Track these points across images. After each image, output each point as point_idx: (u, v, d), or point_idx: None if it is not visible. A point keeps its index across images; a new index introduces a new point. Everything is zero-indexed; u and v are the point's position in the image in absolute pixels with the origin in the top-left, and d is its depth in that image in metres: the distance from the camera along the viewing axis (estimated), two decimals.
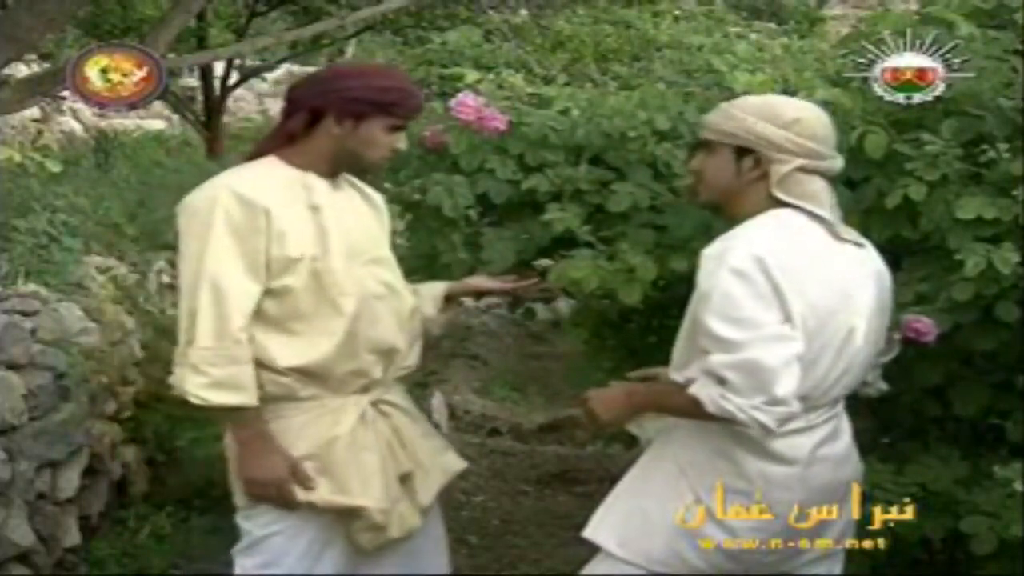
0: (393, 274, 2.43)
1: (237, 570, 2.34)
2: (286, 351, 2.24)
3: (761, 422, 1.99)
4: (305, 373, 2.26)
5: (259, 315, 2.23)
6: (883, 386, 2.31)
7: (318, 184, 2.32)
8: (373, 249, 2.40)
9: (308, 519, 2.28)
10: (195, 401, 2.20)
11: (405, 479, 2.37)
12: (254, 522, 2.31)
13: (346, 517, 2.30)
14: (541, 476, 4.98)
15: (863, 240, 2.21)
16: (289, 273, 2.24)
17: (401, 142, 2.37)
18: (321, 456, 2.27)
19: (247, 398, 2.20)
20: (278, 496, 2.25)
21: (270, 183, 2.29)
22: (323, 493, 2.27)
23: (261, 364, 2.23)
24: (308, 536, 2.30)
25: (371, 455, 2.31)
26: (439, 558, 2.54)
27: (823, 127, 2.16)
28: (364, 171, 2.43)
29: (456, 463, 2.54)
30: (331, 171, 2.36)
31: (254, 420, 2.24)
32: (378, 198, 2.53)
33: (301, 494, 2.25)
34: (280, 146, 2.34)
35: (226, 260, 2.19)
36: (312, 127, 2.31)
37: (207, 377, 2.17)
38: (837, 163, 2.18)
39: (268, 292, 2.23)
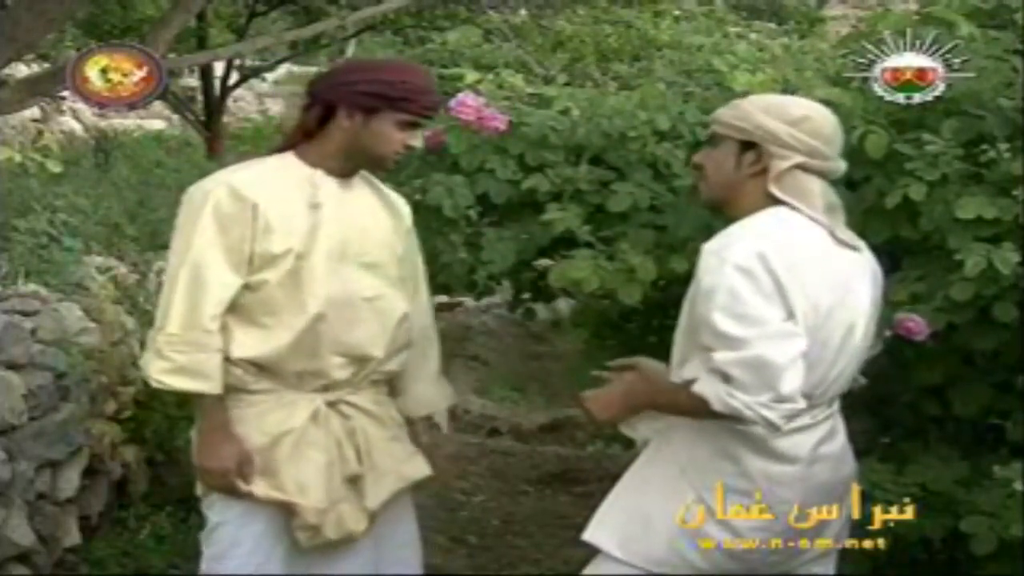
0: (388, 280, 2.40)
1: (203, 562, 2.37)
2: (243, 343, 2.26)
3: (768, 419, 1.99)
4: (256, 366, 2.27)
5: (233, 307, 2.25)
6: (862, 380, 2.31)
7: (325, 182, 2.32)
8: (371, 252, 2.38)
9: (255, 511, 2.29)
10: (155, 384, 2.24)
11: (354, 481, 2.35)
12: (210, 511, 2.34)
13: (282, 510, 2.30)
14: (541, 476, 4.98)
15: (860, 243, 2.21)
16: (269, 268, 2.25)
17: (416, 140, 2.36)
18: (267, 451, 2.28)
19: (209, 387, 2.22)
20: (225, 486, 2.27)
21: (272, 178, 2.29)
22: (262, 487, 2.28)
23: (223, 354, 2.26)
24: (257, 529, 2.30)
25: (317, 454, 2.31)
26: (410, 561, 2.51)
27: (830, 128, 2.16)
28: (377, 167, 2.42)
29: (419, 470, 2.48)
30: (343, 168, 2.35)
31: (215, 410, 2.26)
32: (400, 203, 2.51)
33: (242, 485, 2.27)
34: (297, 142, 2.35)
35: (208, 250, 2.21)
36: (326, 122, 2.32)
37: (170, 363, 2.20)
38: (839, 165, 2.18)
39: (246, 285, 2.25)
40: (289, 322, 2.26)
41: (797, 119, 2.13)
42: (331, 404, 2.34)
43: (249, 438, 2.28)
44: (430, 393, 2.55)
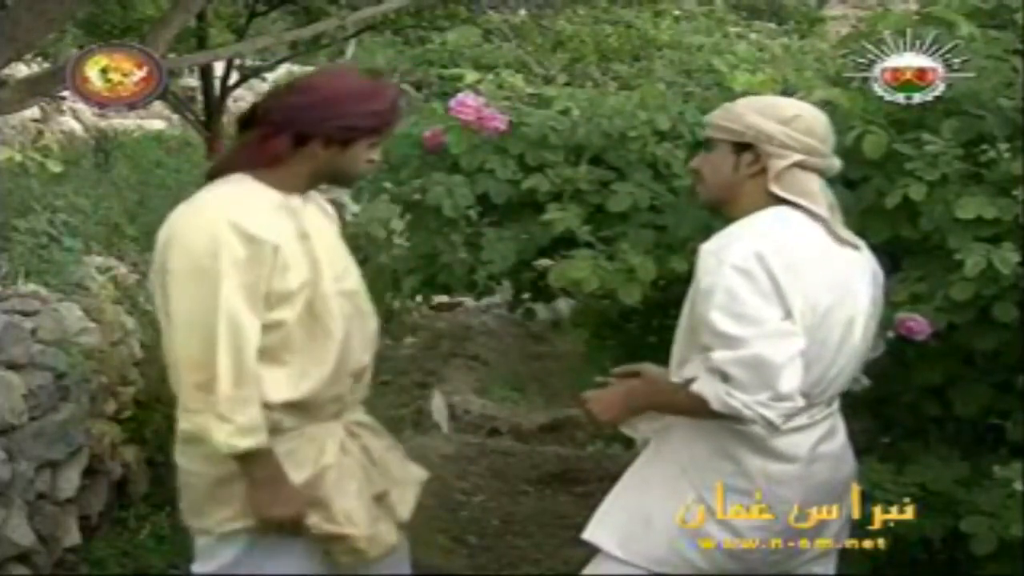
0: (361, 290, 2.37)
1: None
2: (277, 385, 2.19)
3: (767, 418, 1.99)
4: (294, 406, 2.22)
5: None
6: (865, 381, 2.32)
7: (301, 208, 2.26)
8: (344, 266, 2.34)
9: (289, 541, 2.25)
10: (226, 451, 2.15)
11: (381, 497, 2.34)
12: (230, 545, 2.26)
13: (328, 539, 2.27)
14: (541, 476, 4.97)
15: (859, 242, 2.21)
16: (285, 305, 2.19)
17: (377, 153, 2.32)
18: (309, 486, 2.24)
19: (266, 439, 2.17)
20: (292, 529, 2.22)
21: (266, 211, 2.21)
22: (315, 521, 2.24)
23: None
24: (290, 560, 2.26)
25: (352, 482, 2.28)
26: (404, 561, 2.49)
27: (822, 126, 2.18)
28: (346, 185, 2.40)
29: (421, 473, 2.48)
30: (307, 188, 2.30)
31: (268, 460, 2.19)
32: (329, 208, 2.46)
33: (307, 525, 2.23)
34: (256, 166, 2.25)
35: (236, 299, 2.14)
36: (294, 148, 2.23)
37: (233, 424, 2.12)
38: (835, 163, 2.20)
39: (264, 326, 2.18)
40: (317, 355, 2.23)
41: (789, 118, 2.14)
42: (345, 428, 2.31)
43: (291, 475, 2.22)
44: None
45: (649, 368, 2.34)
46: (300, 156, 2.24)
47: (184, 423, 2.21)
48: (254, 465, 2.20)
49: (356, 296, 2.34)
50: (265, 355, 2.19)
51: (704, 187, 2.24)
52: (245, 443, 2.15)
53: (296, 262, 2.21)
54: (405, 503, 2.38)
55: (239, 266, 2.15)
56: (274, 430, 2.21)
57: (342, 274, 2.31)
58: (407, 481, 2.42)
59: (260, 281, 2.16)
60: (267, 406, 2.19)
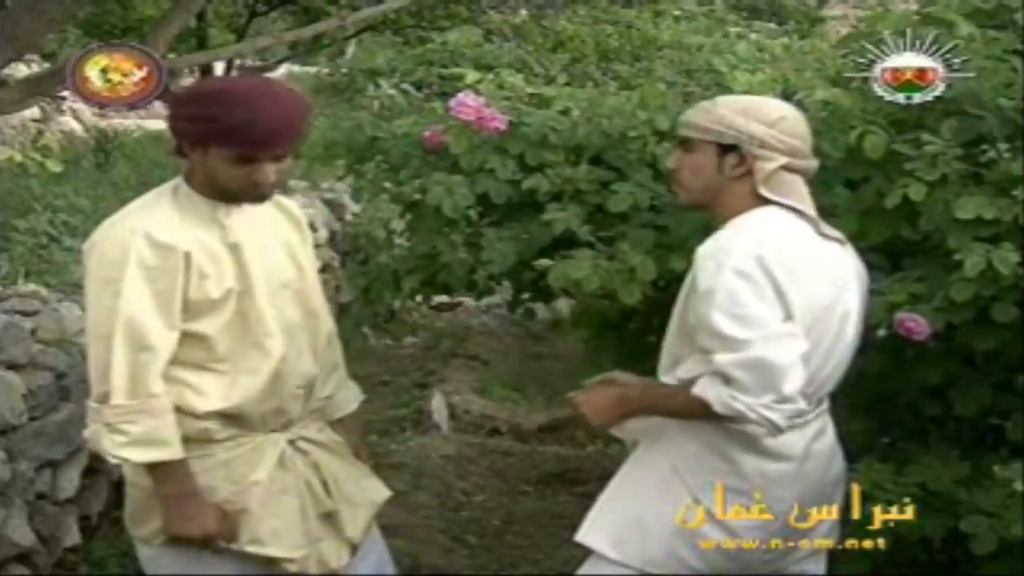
0: (311, 298, 2.33)
1: None
2: (206, 395, 2.16)
3: (771, 420, 1.99)
4: (225, 416, 2.18)
5: (182, 360, 2.15)
6: None
7: (230, 216, 2.21)
8: (291, 273, 2.29)
9: (222, 555, 2.23)
10: (114, 461, 2.13)
11: (329, 516, 2.31)
12: (171, 554, 2.23)
13: (258, 557, 2.24)
14: (541, 476, 4.97)
15: (843, 237, 2.22)
16: (209, 314, 2.15)
17: (264, 175, 2.15)
18: (237, 500, 2.20)
19: (171, 453, 2.11)
20: (203, 546, 2.20)
21: (184, 219, 2.18)
22: (239, 540, 2.21)
23: (178, 408, 2.14)
24: (229, 562, 2.24)
25: (289, 498, 2.25)
26: (386, 566, 2.48)
27: (803, 126, 2.19)
28: (236, 201, 2.22)
29: (381, 492, 2.45)
30: (227, 199, 2.23)
31: (181, 475, 2.15)
32: (295, 208, 2.42)
33: (222, 543, 2.20)
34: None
35: (140, 308, 2.09)
36: (181, 156, 2.22)
37: (124, 436, 2.08)
38: (814, 163, 2.21)
39: (185, 334, 2.14)
40: (250, 366, 2.19)
41: (774, 120, 2.14)
42: (291, 443, 2.28)
43: (216, 488, 2.19)
44: (342, 396, 2.48)
45: (619, 375, 2.33)
46: (192, 161, 2.21)
47: (85, 432, 2.18)
48: (159, 479, 2.15)
49: (304, 301, 2.30)
50: (193, 364, 2.16)
51: (684, 189, 2.22)
52: (139, 455, 2.11)
53: (216, 269, 2.16)
54: (355, 523, 2.35)
55: (148, 274, 2.11)
56: (207, 440, 2.18)
57: (284, 283, 2.26)
58: (361, 501, 2.38)
59: (175, 289, 2.12)
60: (195, 415, 2.16)
